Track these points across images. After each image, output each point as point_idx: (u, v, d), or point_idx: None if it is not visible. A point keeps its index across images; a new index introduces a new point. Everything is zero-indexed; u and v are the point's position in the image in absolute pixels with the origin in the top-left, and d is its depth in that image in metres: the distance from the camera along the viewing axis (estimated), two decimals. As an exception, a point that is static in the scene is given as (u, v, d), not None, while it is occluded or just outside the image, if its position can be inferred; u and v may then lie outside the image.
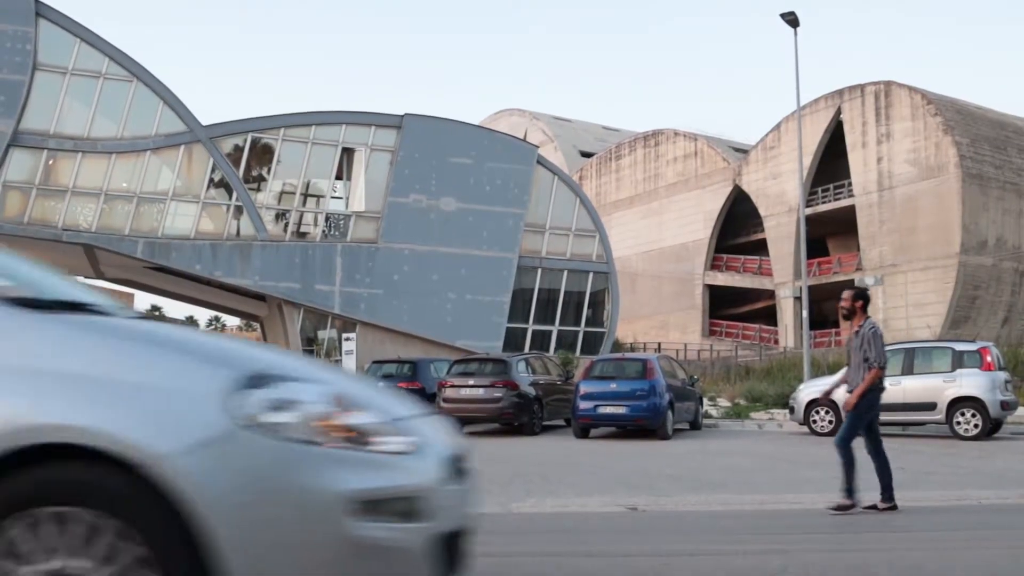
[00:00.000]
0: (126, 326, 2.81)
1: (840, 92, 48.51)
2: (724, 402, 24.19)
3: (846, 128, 48.11)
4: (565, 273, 33.58)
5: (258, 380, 2.57)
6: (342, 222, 31.53)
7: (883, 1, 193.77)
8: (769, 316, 53.47)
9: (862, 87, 47.56)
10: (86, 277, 37.95)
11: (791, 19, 23.84)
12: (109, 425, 2.43)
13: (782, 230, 50.40)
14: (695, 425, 18.28)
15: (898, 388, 14.85)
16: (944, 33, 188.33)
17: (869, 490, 7.37)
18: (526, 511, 7.58)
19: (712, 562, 5.45)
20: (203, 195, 30.25)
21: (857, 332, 7.63)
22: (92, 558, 2.42)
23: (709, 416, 20.77)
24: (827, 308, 39.11)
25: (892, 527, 6.80)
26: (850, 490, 7.24)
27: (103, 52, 29.66)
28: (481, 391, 16.74)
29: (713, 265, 55.16)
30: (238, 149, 30.76)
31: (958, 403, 15.54)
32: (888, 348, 8.54)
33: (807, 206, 43.80)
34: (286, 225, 31.25)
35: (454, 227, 31.71)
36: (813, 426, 16.76)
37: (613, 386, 15.94)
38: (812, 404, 16.69)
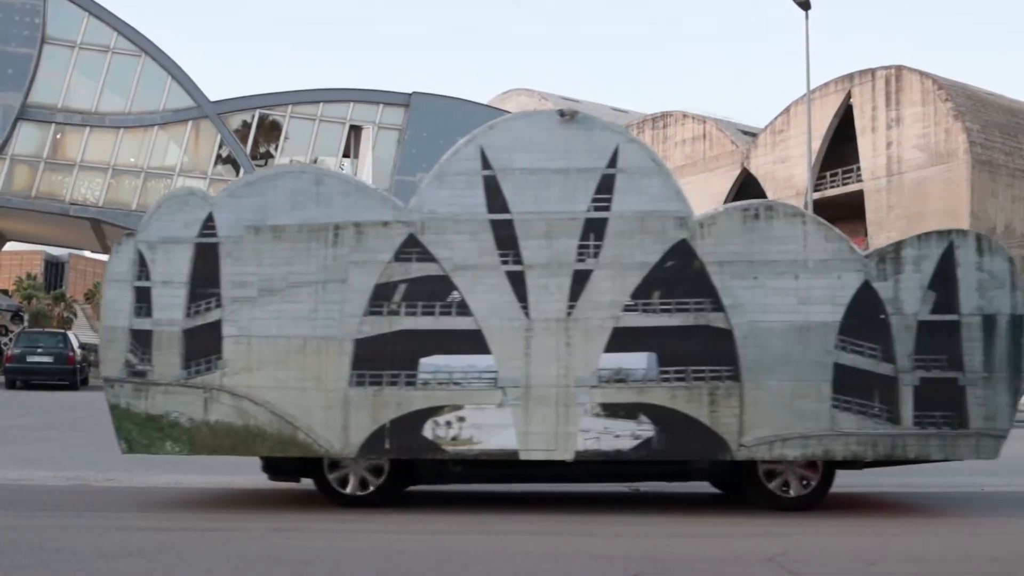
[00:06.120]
0: None
1: (850, 76, 48.21)
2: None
3: (856, 112, 47.85)
4: (571, 254, 33.53)
5: None
6: (349, 200, 31.48)
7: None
8: (775, 300, 53.36)
9: (872, 71, 47.27)
10: (92, 251, 38.13)
11: (802, 2, 23.66)
12: None
13: (789, 214, 50.19)
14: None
15: None
16: (956, 19, 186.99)
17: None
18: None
19: (715, 543, 5.50)
20: (210, 171, 30.23)
21: None
22: None
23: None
24: (833, 293, 38.95)
25: (891, 513, 6.84)
26: None
27: (112, 26, 29.58)
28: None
29: (719, 248, 54.99)
30: (246, 125, 30.73)
31: None
32: None
33: (815, 190, 43.62)
34: (293, 202, 31.21)
35: (461, 207, 31.63)
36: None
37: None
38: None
